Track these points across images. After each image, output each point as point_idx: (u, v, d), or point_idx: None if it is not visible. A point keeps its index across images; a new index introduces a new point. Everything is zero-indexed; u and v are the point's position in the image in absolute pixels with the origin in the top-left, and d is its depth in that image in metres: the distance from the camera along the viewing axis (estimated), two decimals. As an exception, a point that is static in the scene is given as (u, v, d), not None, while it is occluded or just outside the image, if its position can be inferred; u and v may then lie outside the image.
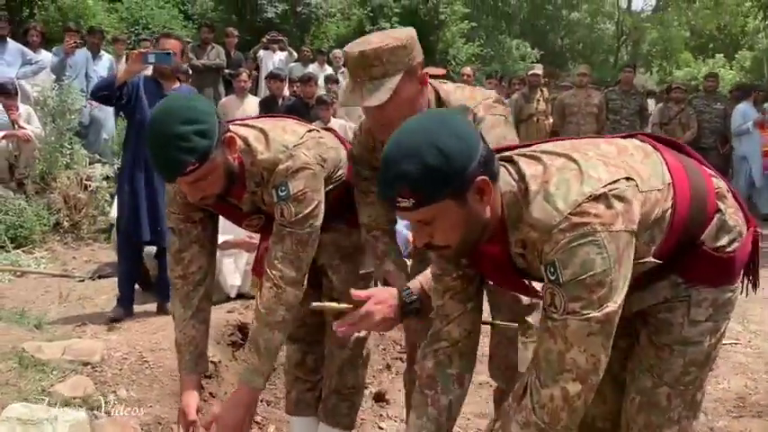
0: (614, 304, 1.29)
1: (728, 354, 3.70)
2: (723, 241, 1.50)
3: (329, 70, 9.26)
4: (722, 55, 21.34)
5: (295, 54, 9.33)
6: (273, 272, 1.94)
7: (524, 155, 1.42)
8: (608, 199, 1.29)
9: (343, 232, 2.28)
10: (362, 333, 2.29)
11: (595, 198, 1.29)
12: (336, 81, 8.23)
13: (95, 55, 7.53)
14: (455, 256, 1.45)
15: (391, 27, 13.84)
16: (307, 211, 1.96)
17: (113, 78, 3.79)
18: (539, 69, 8.46)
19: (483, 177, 1.29)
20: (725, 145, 8.41)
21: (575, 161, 1.36)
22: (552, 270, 1.29)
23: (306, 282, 2.03)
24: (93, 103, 7.14)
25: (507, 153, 1.44)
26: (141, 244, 4.02)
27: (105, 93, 3.80)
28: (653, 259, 1.42)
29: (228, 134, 1.88)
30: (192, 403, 2.03)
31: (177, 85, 3.91)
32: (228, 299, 4.07)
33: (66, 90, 6.29)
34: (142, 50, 3.62)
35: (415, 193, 1.27)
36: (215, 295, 4.46)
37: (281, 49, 9.21)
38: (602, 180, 1.32)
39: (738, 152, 8.39)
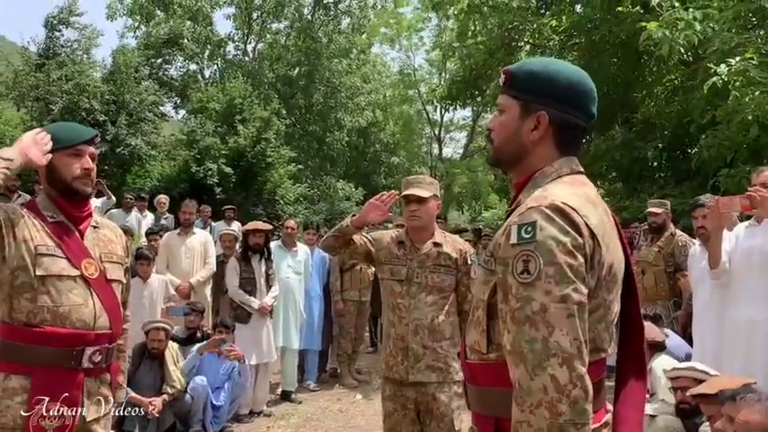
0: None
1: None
2: None
3: (150, 218, 8.93)
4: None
5: (113, 199, 8.64)
6: None
7: None
8: None
9: None
10: None
11: None
12: (158, 233, 7.23)
13: None
14: (493, 154, 1.60)
15: (218, 168, 14.33)
16: None
17: None
18: None
19: (545, 112, 1.47)
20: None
21: None
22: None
23: None
24: None
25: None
26: None
27: None
28: None
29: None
30: None
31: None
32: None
33: None
34: None
35: (508, 78, 1.54)
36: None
37: (99, 194, 8.23)
38: None
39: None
